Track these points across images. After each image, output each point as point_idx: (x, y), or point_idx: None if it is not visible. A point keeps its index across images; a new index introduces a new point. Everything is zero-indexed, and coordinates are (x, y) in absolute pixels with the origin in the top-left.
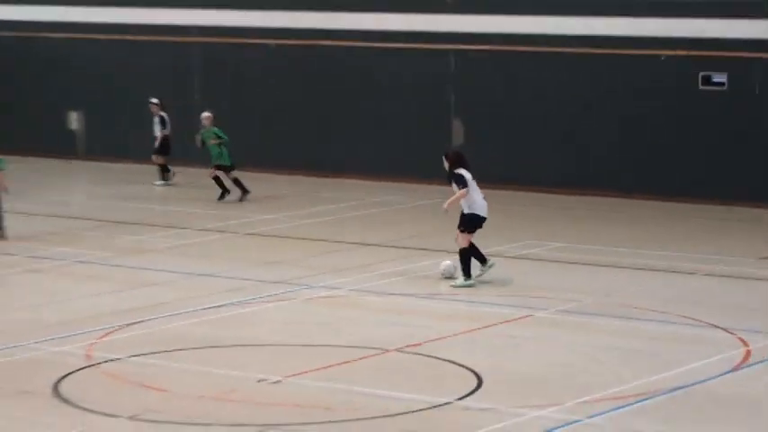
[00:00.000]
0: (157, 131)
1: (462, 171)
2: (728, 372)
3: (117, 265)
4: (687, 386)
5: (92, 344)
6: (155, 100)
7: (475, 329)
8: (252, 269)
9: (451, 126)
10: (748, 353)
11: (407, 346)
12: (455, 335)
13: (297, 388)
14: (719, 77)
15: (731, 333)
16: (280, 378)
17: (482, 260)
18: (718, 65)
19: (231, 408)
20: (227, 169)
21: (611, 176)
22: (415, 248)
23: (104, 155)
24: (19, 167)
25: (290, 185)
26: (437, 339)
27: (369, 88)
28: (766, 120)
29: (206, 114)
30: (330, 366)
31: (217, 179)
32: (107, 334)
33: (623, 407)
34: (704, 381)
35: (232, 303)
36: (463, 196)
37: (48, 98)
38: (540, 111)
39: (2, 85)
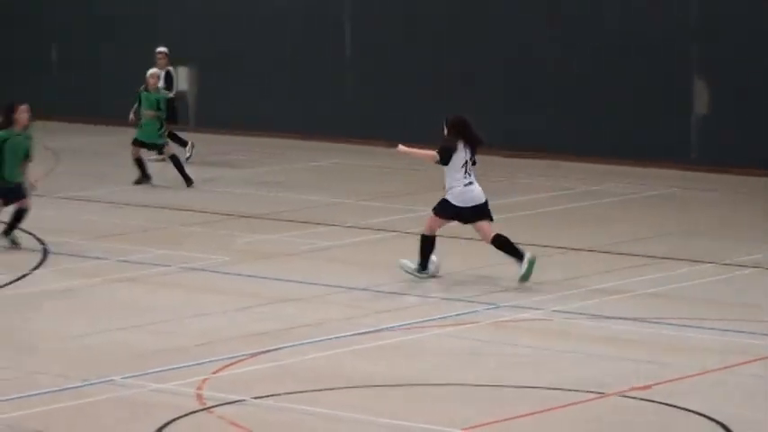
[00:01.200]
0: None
1: (457, 144)
2: None
3: (237, 274)
4: None
5: (204, 380)
6: (163, 49)
7: (724, 368)
8: (420, 282)
9: None
10: None
11: (632, 389)
12: (697, 374)
13: None
14: None
15: None
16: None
17: (518, 256)
18: None
19: None
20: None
21: None
22: (631, 255)
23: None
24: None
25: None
26: (672, 380)
27: None
28: None
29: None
30: (526, 416)
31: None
32: (225, 367)
33: None
34: None
35: (393, 328)
36: (427, 159)
37: None
38: None
39: None
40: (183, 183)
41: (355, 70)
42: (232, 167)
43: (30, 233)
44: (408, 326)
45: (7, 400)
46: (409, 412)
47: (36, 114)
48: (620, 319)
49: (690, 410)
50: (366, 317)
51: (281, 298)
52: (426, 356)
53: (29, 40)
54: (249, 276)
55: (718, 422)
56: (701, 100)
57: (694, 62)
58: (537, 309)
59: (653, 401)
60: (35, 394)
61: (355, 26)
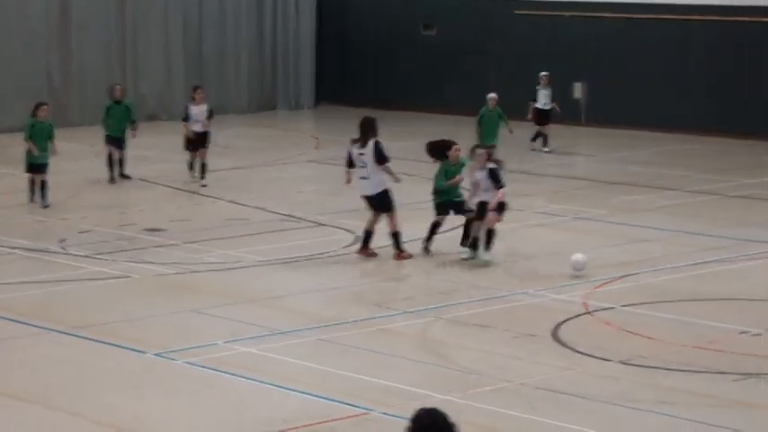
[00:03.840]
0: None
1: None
2: None
3: (611, 222)
4: None
5: (588, 293)
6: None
7: None
8: (735, 228)
9: None
10: None
11: None
12: None
13: None
14: None
15: None
16: (761, 331)
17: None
18: None
19: (712, 356)
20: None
21: None
22: None
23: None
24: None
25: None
26: None
27: None
28: None
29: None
30: None
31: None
32: (602, 284)
33: None
34: None
35: (715, 261)
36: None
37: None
38: None
39: None
40: None
41: None
42: None
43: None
44: (726, 260)
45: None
46: (725, 318)
47: None
48: None
49: None
50: (695, 252)
51: (639, 239)
52: (739, 280)
53: None
54: (620, 224)
55: None
56: None
57: None
58: None
59: None
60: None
61: None
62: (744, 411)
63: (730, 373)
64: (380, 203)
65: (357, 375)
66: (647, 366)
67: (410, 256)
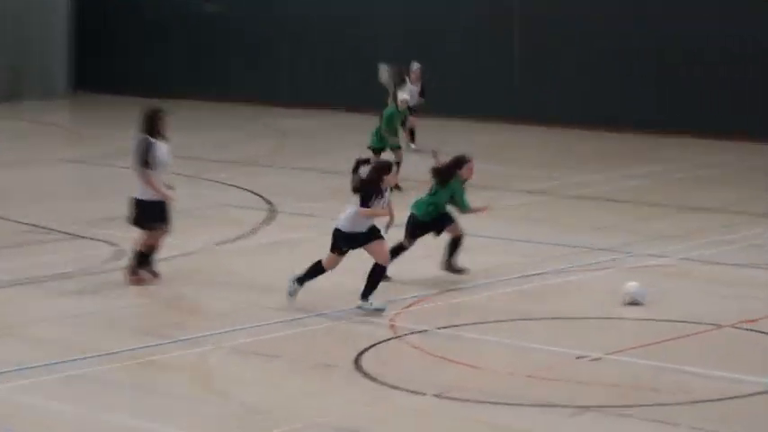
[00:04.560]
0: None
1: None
2: None
3: None
4: None
5: (398, 314)
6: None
7: None
8: (572, 234)
9: None
10: None
11: (742, 322)
12: None
13: (618, 366)
14: None
15: None
16: (600, 355)
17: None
18: None
19: (545, 386)
20: None
21: None
22: (744, 213)
23: None
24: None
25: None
26: None
27: None
28: None
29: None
30: (656, 343)
31: None
32: (414, 303)
33: None
34: None
35: (548, 272)
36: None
37: None
38: None
39: None
40: None
41: None
42: None
43: (259, 195)
44: (562, 271)
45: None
46: (561, 340)
47: None
48: (734, 265)
49: None
50: (528, 263)
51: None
52: (576, 295)
53: None
54: None
55: None
56: None
57: None
58: (665, 257)
59: (761, 332)
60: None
61: None
62: None
63: (566, 406)
64: (131, 214)
65: (119, 419)
66: (468, 400)
67: (143, 281)
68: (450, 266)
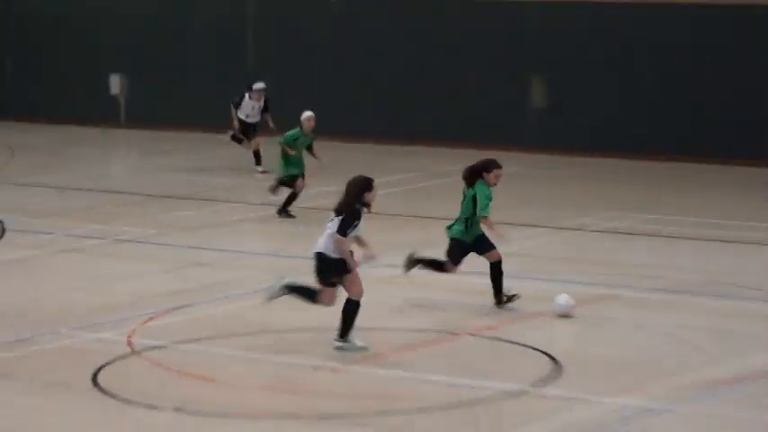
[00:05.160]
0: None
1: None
2: None
3: (161, 244)
4: None
5: (135, 329)
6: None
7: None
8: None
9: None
10: None
11: (483, 329)
12: (534, 317)
13: (358, 376)
14: None
15: None
16: (338, 365)
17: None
18: None
19: (283, 398)
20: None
21: None
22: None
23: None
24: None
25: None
26: (514, 322)
27: None
28: None
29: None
30: (396, 352)
31: None
32: (151, 318)
33: (711, 391)
34: None
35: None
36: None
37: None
38: None
39: None
40: None
41: None
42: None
43: None
44: None
45: None
46: (299, 351)
47: None
48: (475, 273)
49: (527, 345)
50: (266, 276)
51: (196, 263)
52: (314, 307)
53: None
54: (172, 246)
55: (547, 353)
56: None
57: None
58: (393, 267)
59: (499, 339)
60: None
61: None
62: None
63: (304, 416)
64: None
65: None
66: (206, 414)
67: None
68: (502, 300)
